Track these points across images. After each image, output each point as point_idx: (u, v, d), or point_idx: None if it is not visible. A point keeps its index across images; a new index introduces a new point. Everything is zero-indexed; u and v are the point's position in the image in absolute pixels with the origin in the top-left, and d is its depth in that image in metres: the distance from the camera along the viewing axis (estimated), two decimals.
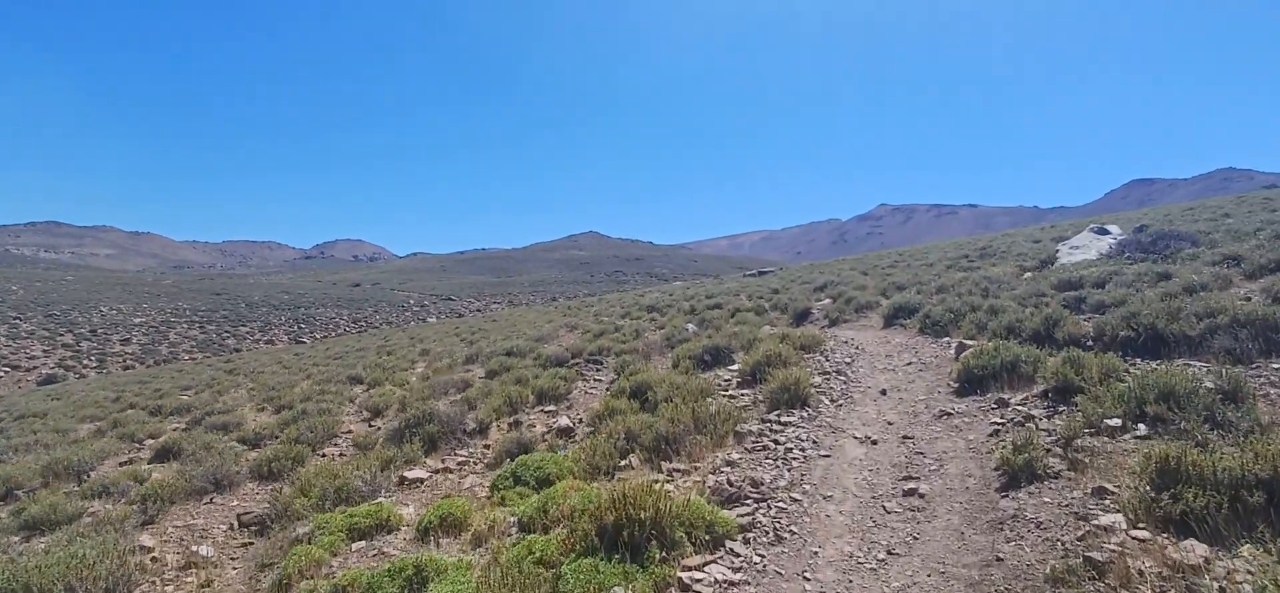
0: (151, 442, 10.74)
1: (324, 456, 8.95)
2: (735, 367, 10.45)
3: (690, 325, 15.39)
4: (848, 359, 10.46)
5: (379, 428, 10.03)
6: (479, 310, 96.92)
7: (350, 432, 10.32)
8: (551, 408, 9.80)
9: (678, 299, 31.38)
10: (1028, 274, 18.97)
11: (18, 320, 68.24)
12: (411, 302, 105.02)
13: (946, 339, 11.57)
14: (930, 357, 10.33)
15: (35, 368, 55.90)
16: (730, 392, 8.94)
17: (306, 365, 23.64)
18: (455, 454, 8.04)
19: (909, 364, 9.93)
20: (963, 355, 8.81)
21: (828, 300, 19.90)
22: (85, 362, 59.36)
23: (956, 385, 7.98)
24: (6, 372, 54.37)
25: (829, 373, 9.40)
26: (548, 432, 8.43)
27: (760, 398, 8.06)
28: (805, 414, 7.27)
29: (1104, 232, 19.92)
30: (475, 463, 7.61)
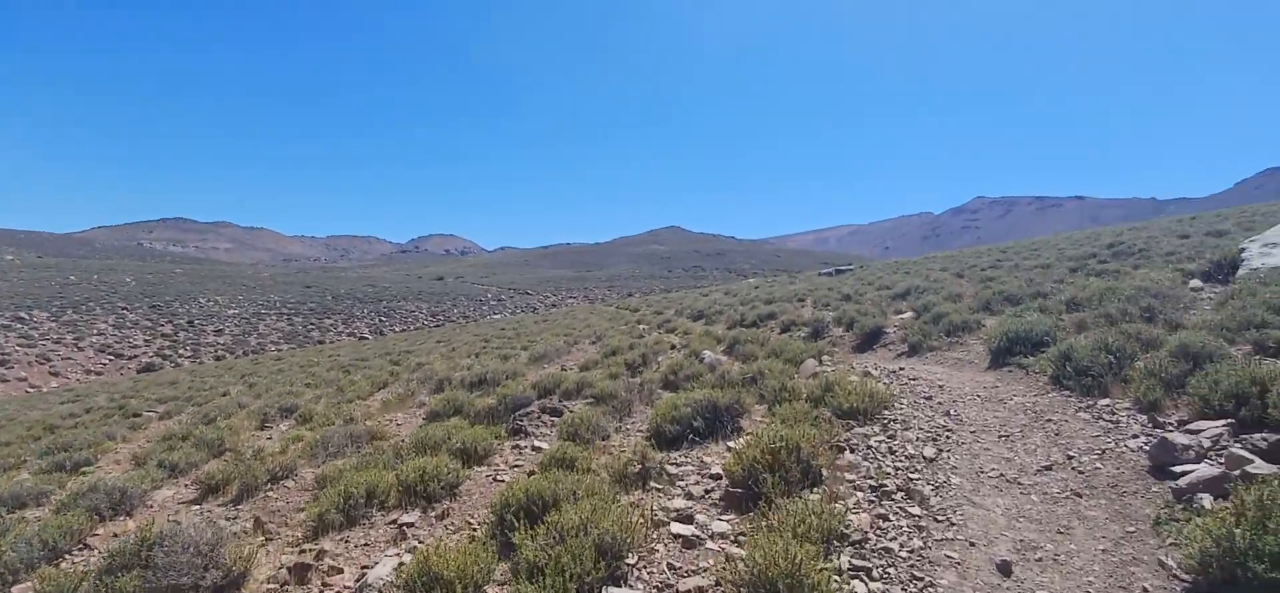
0: None
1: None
2: (735, 446, 5.99)
3: (706, 354, 10.94)
4: (929, 449, 5.76)
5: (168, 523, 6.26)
6: (553, 305, 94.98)
7: (126, 529, 6.65)
8: (410, 519, 5.70)
9: (735, 303, 26.73)
10: (1196, 284, 13.33)
11: (125, 311, 70.77)
12: (489, 296, 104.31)
13: (1106, 403, 6.65)
14: (1087, 447, 5.52)
15: (136, 356, 57.12)
16: (692, 527, 4.54)
17: (296, 373, 20.62)
18: None
19: (1048, 468, 5.19)
20: (1207, 512, 3.97)
21: (909, 313, 14.88)
22: (181, 351, 60.39)
23: (1181, 558, 3.31)
24: (111, 360, 55.67)
25: (887, 493, 4.77)
26: None
27: (729, 572, 3.65)
28: None
29: None
30: None
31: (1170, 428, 5.78)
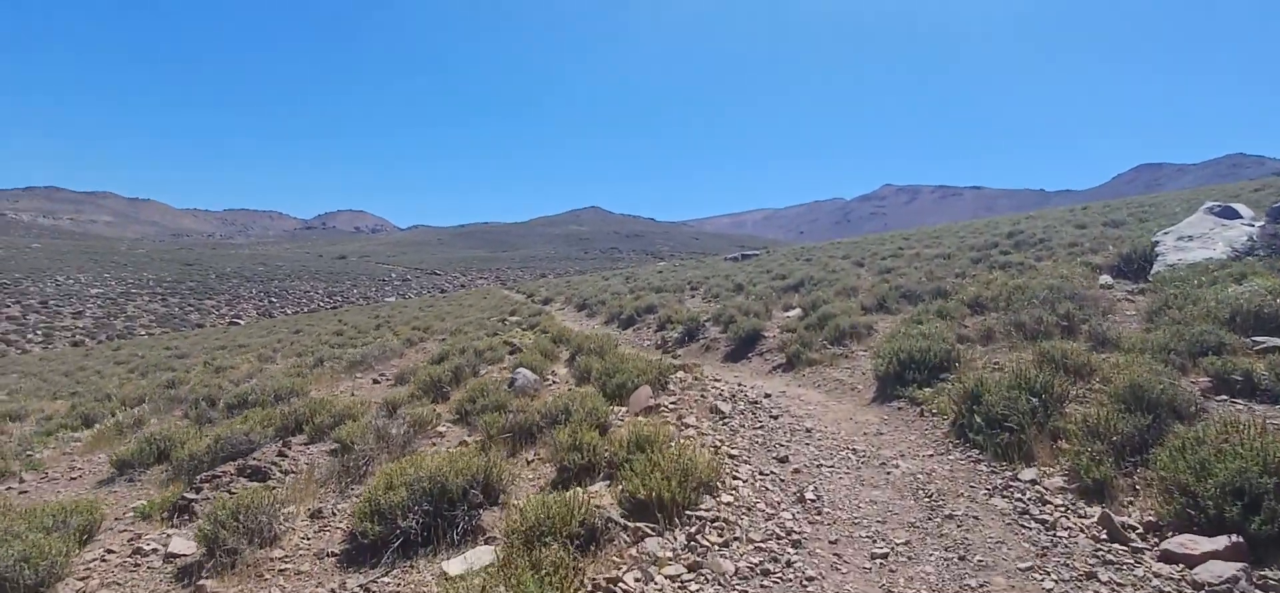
0: None
1: None
2: (467, 560, 3.35)
3: (521, 374, 8.14)
4: None
5: None
6: (461, 286, 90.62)
7: None
8: None
9: (625, 292, 24.22)
10: (1106, 280, 11.64)
11: None
12: (393, 276, 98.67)
13: (1031, 477, 4.38)
14: None
15: None
16: None
17: (84, 372, 16.63)
18: None
19: None
20: None
21: (797, 311, 12.66)
22: (30, 336, 52.93)
23: None
24: None
25: None
26: None
27: None
28: None
29: (1231, 213, 12.42)
30: None
31: (1135, 537, 3.50)
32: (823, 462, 5.10)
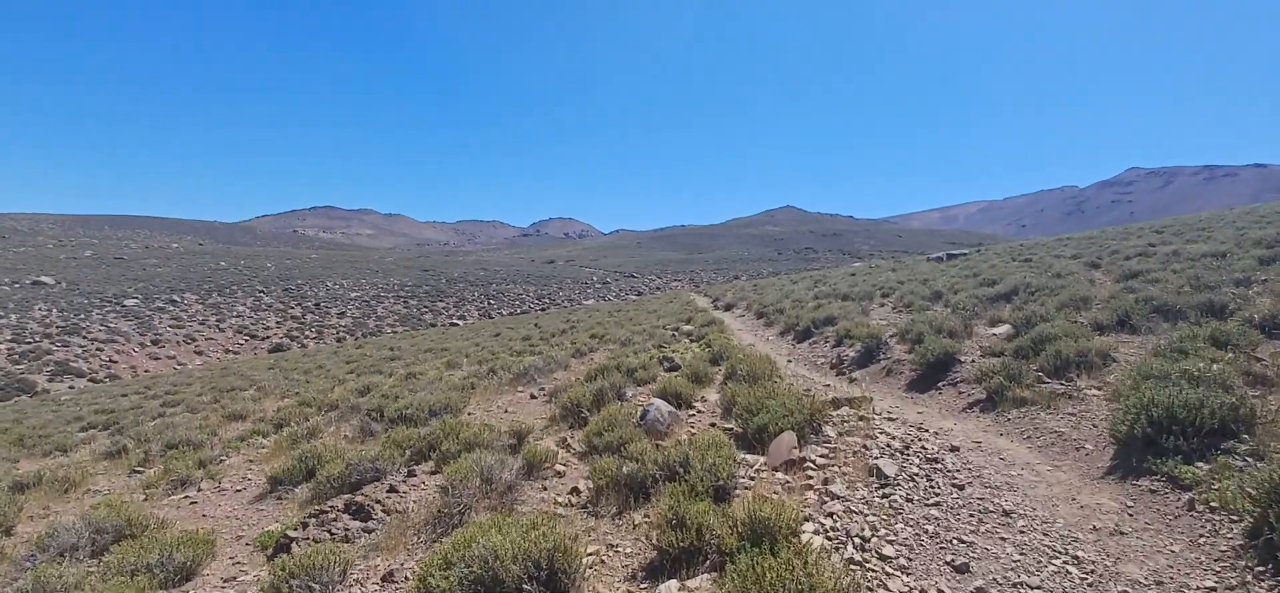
0: None
1: None
2: None
3: (654, 405, 7.08)
4: None
5: None
6: (656, 289, 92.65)
7: None
8: None
9: (808, 298, 22.37)
10: None
11: (262, 293, 75.38)
12: (594, 279, 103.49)
13: None
14: None
15: (269, 337, 60.28)
16: None
17: (318, 372, 18.70)
18: None
19: None
20: None
21: (1005, 328, 10.32)
22: (307, 333, 63.27)
23: None
24: (246, 340, 59.01)
25: None
26: None
27: None
28: None
29: None
30: None
31: None
32: (1024, 579, 3.47)
